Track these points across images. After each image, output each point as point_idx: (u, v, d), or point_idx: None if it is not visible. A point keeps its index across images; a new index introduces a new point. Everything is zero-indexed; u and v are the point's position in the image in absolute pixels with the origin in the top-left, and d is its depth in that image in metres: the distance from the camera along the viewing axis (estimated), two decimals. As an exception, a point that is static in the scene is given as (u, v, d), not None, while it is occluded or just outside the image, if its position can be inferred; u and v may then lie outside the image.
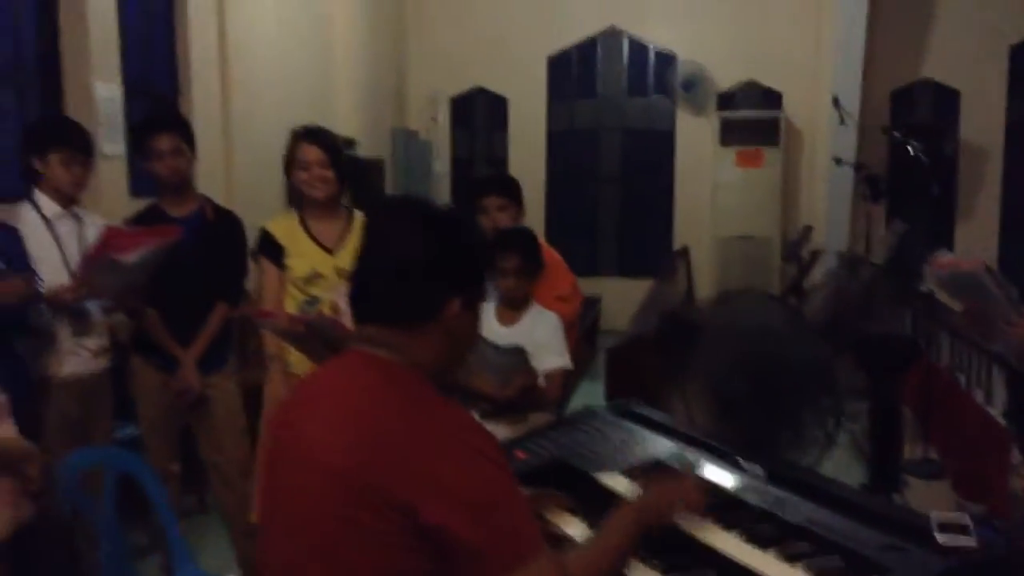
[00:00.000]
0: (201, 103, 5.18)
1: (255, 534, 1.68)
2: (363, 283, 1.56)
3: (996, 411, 4.12)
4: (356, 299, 1.56)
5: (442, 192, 9.32)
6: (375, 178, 7.48)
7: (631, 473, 2.05)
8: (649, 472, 2.03)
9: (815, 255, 7.13)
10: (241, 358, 4.61)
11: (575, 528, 1.88)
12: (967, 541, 1.54)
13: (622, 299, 8.31)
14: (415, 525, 1.35)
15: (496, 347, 3.00)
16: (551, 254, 3.71)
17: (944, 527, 1.57)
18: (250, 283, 3.64)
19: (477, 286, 1.58)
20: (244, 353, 5.35)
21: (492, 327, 3.03)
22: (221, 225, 3.47)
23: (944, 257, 2.44)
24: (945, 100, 8.74)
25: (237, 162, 5.50)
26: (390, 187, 8.17)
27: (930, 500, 4.14)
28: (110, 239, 2.98)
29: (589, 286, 8.02)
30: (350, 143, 7.08)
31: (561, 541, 1.84)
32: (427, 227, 1.53)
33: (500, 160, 9.63)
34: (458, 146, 9.74)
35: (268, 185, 6.22)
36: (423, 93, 9.29)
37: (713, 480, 1.94)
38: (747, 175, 8.66)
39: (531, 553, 1.40)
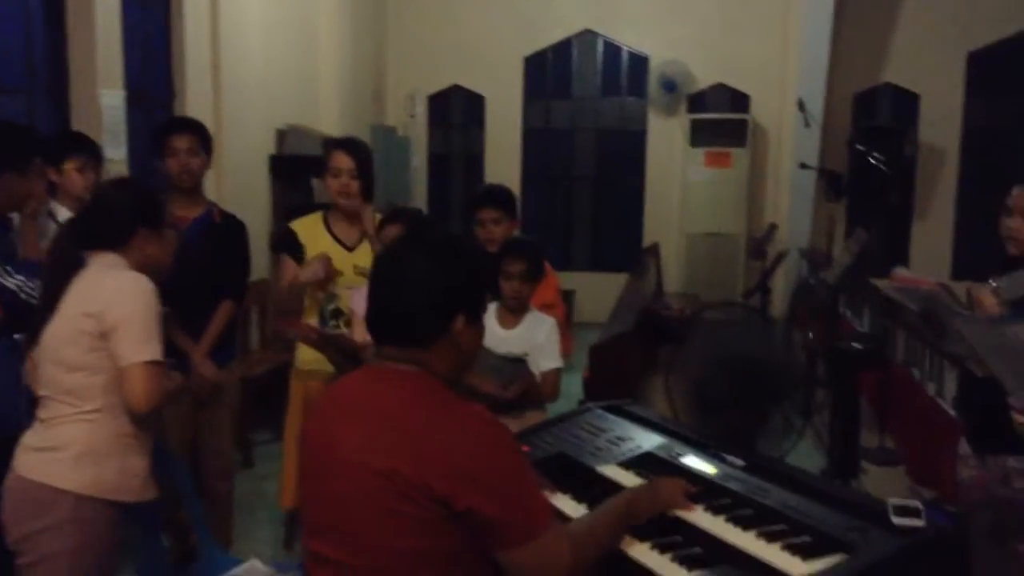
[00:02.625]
0: (195, 106, 5.35)
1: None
2: (380, 309, 1.78)
3: (946, 403, 4.44)
4: (374, 323, 1.79)
5: (418, 187, 9.53)
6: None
7: (626, 465, 2.31)
8: (643, 464, 2.29)
9: (780, 253, 7.43)
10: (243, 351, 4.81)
11: (570, 509, 2.13)
12: (919, 523, 1.81)
13: (594, 293, 8.59)
14: (450, 512, 1.61)
15: (499, 356, 3.24)
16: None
17: (899, 511, 1.85)
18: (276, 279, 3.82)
19: (479, 301, 1.82)
20: (245, 346, 5.54)
21: (494, 330, 3.27)
22: (227, 227, 3.67)
23: (901, 274, 2.72)
24: (905, 104, 9.09)
25: (228, 164, 5.67)
26: (370, 184, 8.35)
27: (886, 485, 4.45)
28: None
29: (563, 280, 8.25)
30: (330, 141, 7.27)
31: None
32: (434, 258, 1.75)
33: (476, 157, 9.85)
34: (435, 143, 9.94)
35: (255, 185, 6.41)
36: (402, 91, 9.48)
37: (699, 470, 2.21)
38: (715, 175, 8.95)
39: (544, 525, 1.68)
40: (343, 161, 3.40)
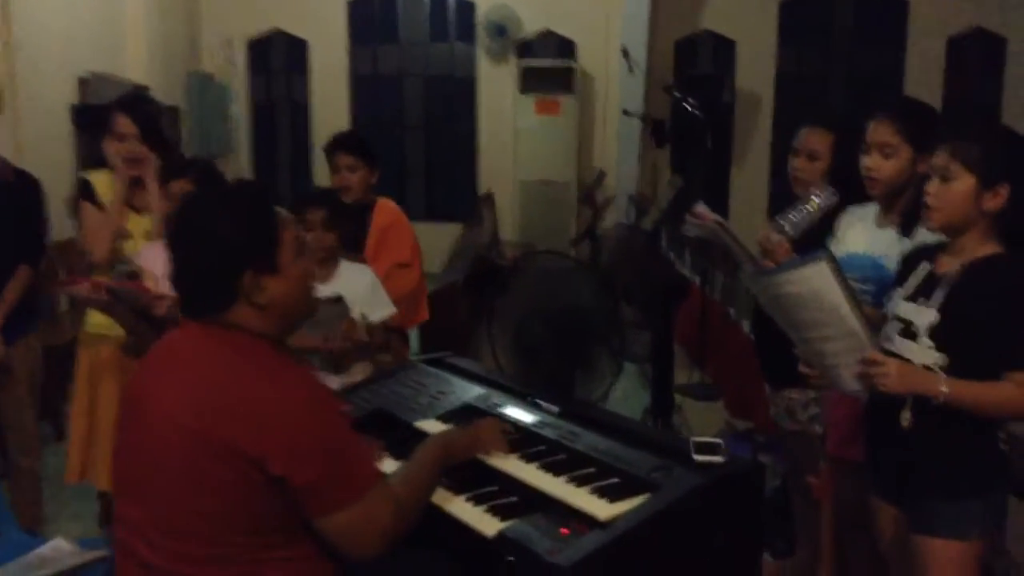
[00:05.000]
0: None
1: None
2: (173, 275, 1.70)
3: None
4: (175, 288, 1.72)
5: (241, 137, 9.16)
6: (170, 126, 7.27)
7: (445, 418, 2.30)
8: (461, 417, 2.29)
9: (608, 199, 7.61)
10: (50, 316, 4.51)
11: (388, 467, 2.11)
12: (718, 459, 1.89)
13: (430, 243, 8.43)
14: (264, 475, 1.56)
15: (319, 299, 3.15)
16: (392, 213, 3.78)
17: (700, 448, 1.92)
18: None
19: (269, 251, 1.65)
20: (53, 312, 5.19)
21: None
22: (19, 185, 3.40)
23: (699, 208, 2.79)
24: (723, 50, 9.40)
25: (23, 115, 5.25)
26: (187, 134, 7.96)
27: (705, 419, 4.68)
28: None
29: (396, 231, 8.19)
30: (141, 89, 6.85)
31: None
32: (210, 216, 1.65)
33: (301, 106, 9.54)
34: (257, 91, 9.55)
35: (55, 137, 5.96)
36: (219, 36, 9.03)
37: (516, 419, 2.23)
38: (546, 122, 9.03)
39: (368, 485, 1.64)
40: (125, 125, 3.17)
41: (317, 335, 3.05)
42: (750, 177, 9.22)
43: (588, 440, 2.06)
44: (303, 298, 1.75)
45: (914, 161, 2.33)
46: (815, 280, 1.98)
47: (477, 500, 1.94)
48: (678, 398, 4.51)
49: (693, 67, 9.31)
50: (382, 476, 1.72)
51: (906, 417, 2.00)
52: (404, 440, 2.24)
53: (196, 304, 1.69)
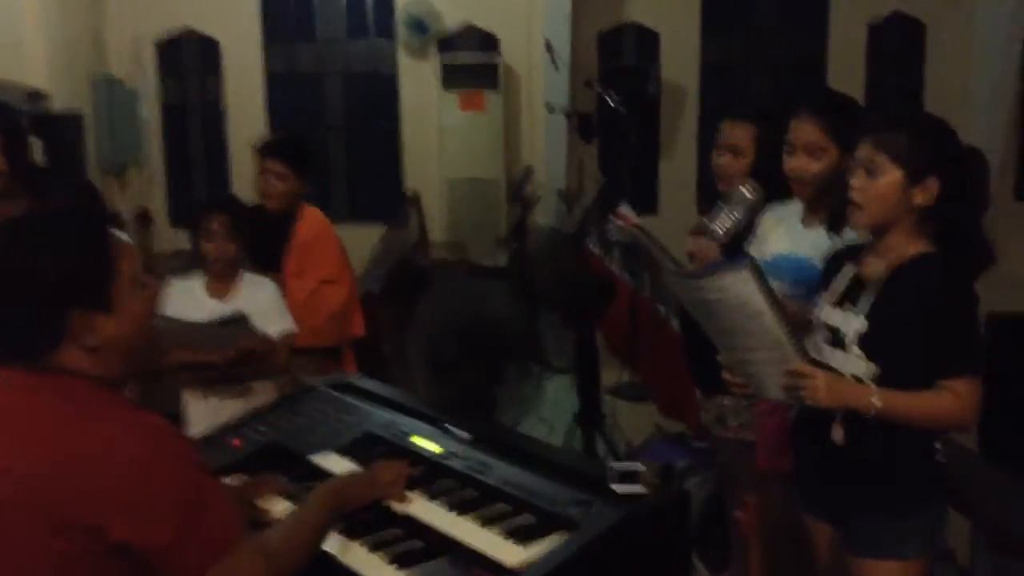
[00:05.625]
0: None
1: None
2: None
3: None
4: None
5: (152, 143, 8.78)
6: (72, 134, 6.89)
7: (345, 450, 2.10)
8: (362, 448, 2.10)
9: (535, 197, 7.43)
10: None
11: (280, 509, 1.90)
12: (639, 489, 1.73)
13: (355, 246, 8.19)
14: (105, 544, 1.33)
15: (209, 324, 2.93)
16: (317, 224, 3.57)
17: (621, 476, 1.76)
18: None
19: (94, 285, 1.43)
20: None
21: (202, 303, 2.95)
22: None
23: (622, 209, 2.66)
24: (647, 42, 9.29)
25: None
26: (91, 143, 7.57)
27: (637, 422, 4.55)
28: None
29: (320, 235, 7.91)
30: (38, 96, 6.48)
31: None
32: (16, 255, 1.41)
33: (215, 108, 9.17)
34: (168, 93, 9.14)
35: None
36: (126, 36, 8.62)
37: (423, 449, 2.04)
38: (471, 118, 8.81)
39: (230, 544, 1.43)
40: None
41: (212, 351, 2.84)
42: (678, 171, 9.12)
43: (500, 472, 1.88)
44: (144, 338, 1.51)
45: (841, 159, 2.20)
46: (737, 288, 1.83)
47: (375, 546, 1.75)
48: (609, 401, 4.37)
49: (617, 60, 9.19)
50: (248, 532, 1.51)
51: (838, 432, 1.87)
52: (301, 477, 2.04)
53: (15, 347, 1.44)
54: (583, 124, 7.93)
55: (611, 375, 4.71)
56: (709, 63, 9.26)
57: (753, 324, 1.86)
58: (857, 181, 1.90)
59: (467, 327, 2.51)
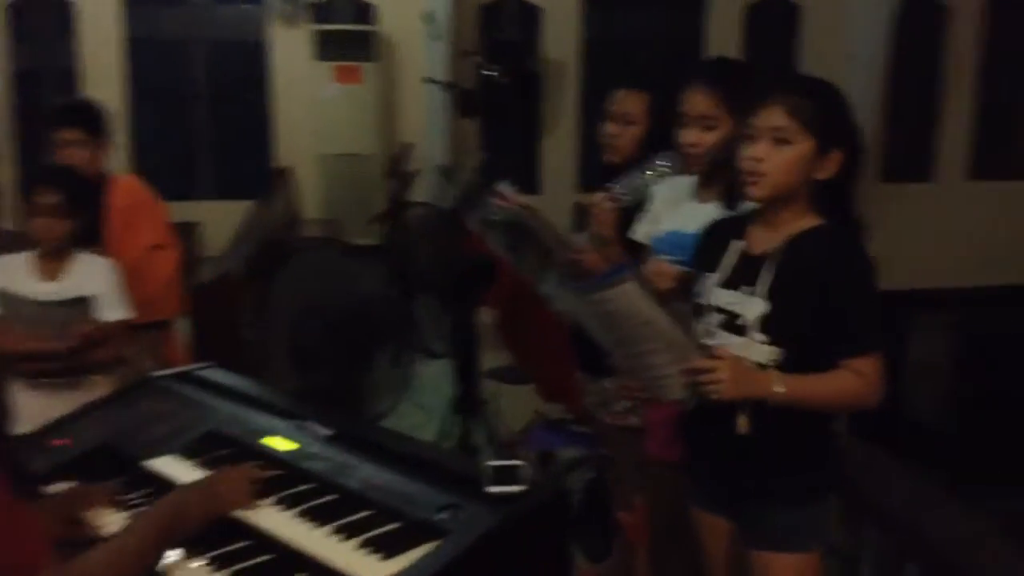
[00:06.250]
0: None
1: None
2: None
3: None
4: None
5: (2, 116, 8.12)
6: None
7: (188, 451, 1.86)
8: (208, 449, 1.86)
9: (416, 172, 7.22)
10: None
11: (108, 523, 1.66)
12: (515, 488, 1.56)
13: (223, 223, 7.81)
14: None
15: (43, 304, 2.63)
16: (133, 191, 3.33)
17: (497, 474, 1.58)
18: None
19: None
20: None
21: (30, 285, 2.64)
22: None
23: (503, 189, 2.50)
24: (529, 16, 9.14)
25: None
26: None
27: (518, 407, 4.41)
28: None
29: (185, 211, 7.44)
30: None
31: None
32: None
33: (70, 75, 8.53)
34: (20, 58, 8.46)
35: None
36: (-34, -4, 7.92)
37: (276, 450, 1.82)
38: (347, 91, 8.47)
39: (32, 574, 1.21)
40: None
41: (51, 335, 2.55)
42: (560, 148, 9.03)
43: (364, 473, 1.68)
44: None
45: (736, 131, 2.08)
46: (622, 300, 1.69)
47: (219, 563, 1.52)
48: (490, 385, 4.20)
49: (499, 34, 9.00)
50: (58, 557, 1.27)
51: (742, 423, 1.74)
52: (136, 484, 1.79)
53: None
54: (464, 99, 7.73)
55: (491, 357, 4.55)
56: (590, 39, 9.19)
57: (645, 330, 1.72)
58: (760, 149, 1.76)
59: (333, 309, 2.30)
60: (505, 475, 1.58)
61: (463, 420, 3.79)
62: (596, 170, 2.68)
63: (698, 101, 2.09)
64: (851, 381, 1.71)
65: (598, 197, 2.28)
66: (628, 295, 1.66)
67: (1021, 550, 2.27)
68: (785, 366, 1.74)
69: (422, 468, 1.67)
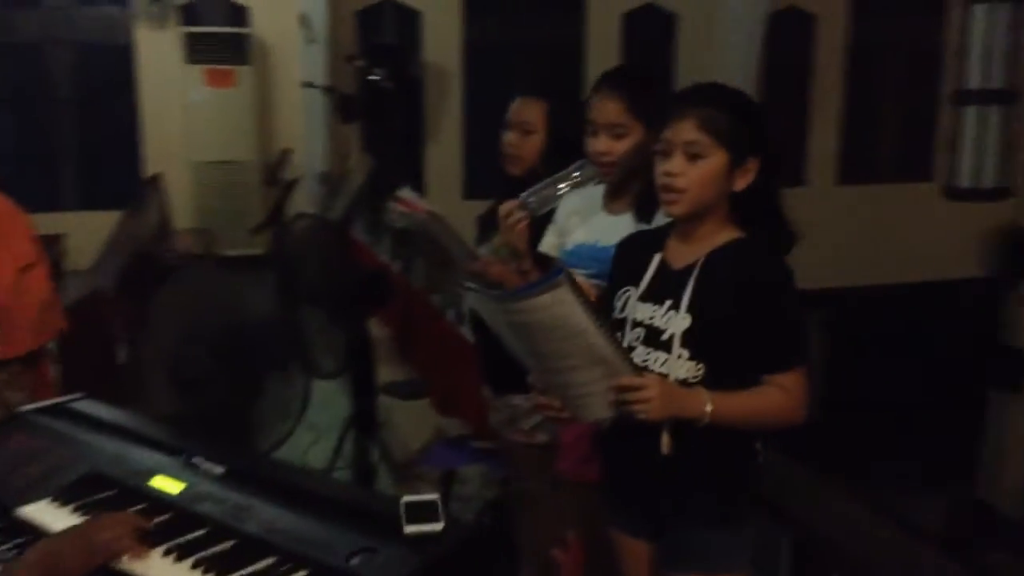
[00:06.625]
0: None
1: None
2: None
3: (466, 329, 4.36)
4: None
5: None
6: None
7: (63, 497, 1.67)
8: (86, 493, 1.68)
9: (292, 181, 6.99)
10: None
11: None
12: (433, 526, 1.45)
13: (89, 235, 7.39)
14: None
15: None
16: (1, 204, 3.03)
17: (412, 512, 1.47)
18: None
19: None
20: None
21: None
22: None
23: (406, 195, 2.38)
24: (408, 20, 9.00)
25: None
26: None
27: (416, 424, 4.28)
28: None
29: (49, 224, 6.97)
30: None
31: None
32: None
33: (-85, 79, 7.92)
34: None
35: None
36: None
37: (163, 491, 1.65)
38: (219, 96, 8.12)
39: None
40: None
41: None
42: (444, 155, 8.92)
43: (264, 515, 1.54)
44: None
45: (646, 139, 2.03)
46: (555, 308, 1.59)
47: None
48: (385, 401, 4.06)
49: (377, 37, 8.81)
50: None
51: (666, 442, 1.68)
52: (6, 534, 1.60)
53: None
54: (344, 104, 7.52)
55: (385, 372, 4.41)
56: (472, 44, 9.11)
57: (573, 344, 1.63)
58: (675, 165, 1.71)
59: (219, 330, 2.14)
60: (421, 512, 1.47)
61: (357, 440, 3.65)
62: (498, 180, 2.58)
63: (607, 108, 2.03)
64: (777, 397, 1.68)
65: (508, 206, 2.19)
66: (562, 301, 1.57)
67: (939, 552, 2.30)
68: (706, 382, 1.69)
69: (329, 507, 1.54)
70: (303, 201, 7.69)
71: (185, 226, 7.86)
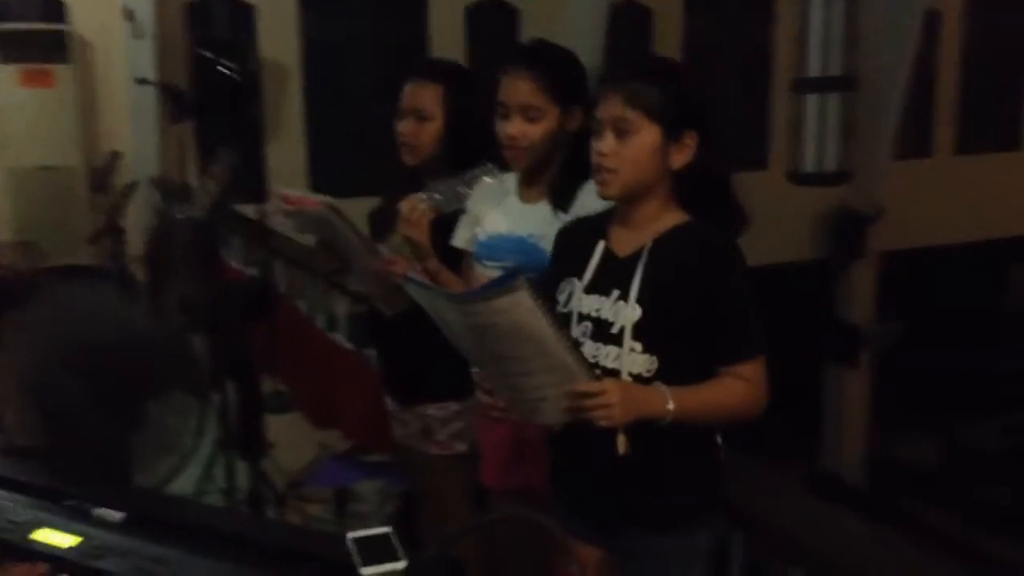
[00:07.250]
0: None
1: None
2: None
3: (341, 336, 4.14)
4: None
5: None
6: None
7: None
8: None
9: (127, 187, 6.51)
10: None
11: None
12: (393, 566, 1.28)
13: None
14: None
15: None
16: None
17: (365, 550, 1.29)
18: None
19: None
20: None
21: None
22: None
23: (292, 194, 2.17)
24: (240, 15, 8.58)
25: None
26: None
27: (288, 433, 4.02)
28: None
29: None
30: None
31: None
32: None
33: None
34: None
35: None
36: None
37: (53, 546, 1.40)
38: (37, 96, 7.52)
39: None
40: None
41: None
42: (286, 152, 8.56)
43: (181, 568, 1.32)
44: None
45: (562, 121, 1.90)
46: (513, 312, 1.45)
47: None
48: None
49: (209, 31, 8.37)
50: None
51: (622, 443, 1.56)
52: None
53: None
54: (177, 101, 7.07)
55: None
56: (310, 40, 8.78)
57: (529, 348, 1.49)
58: (605, 144, 1.60)
59: (90, 352, 1.88)
60: (375, 550, 1.30)
61: (228, 463, 3.37)
62: (388, 173, 2.40)
63: (520, 89, 1.88)
64: (739, 389, 1.60)
65: (412, 199, 2.02)
66: (520, 305, 1.42)
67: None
68: (662, 375, 1.59)
69: (262, 553, 1.34)
70: (139, 207, 7.18)
71: (5, 238, 7.21)
